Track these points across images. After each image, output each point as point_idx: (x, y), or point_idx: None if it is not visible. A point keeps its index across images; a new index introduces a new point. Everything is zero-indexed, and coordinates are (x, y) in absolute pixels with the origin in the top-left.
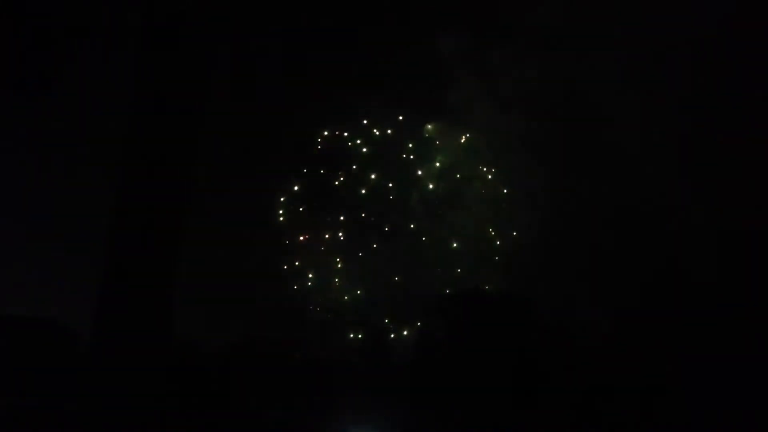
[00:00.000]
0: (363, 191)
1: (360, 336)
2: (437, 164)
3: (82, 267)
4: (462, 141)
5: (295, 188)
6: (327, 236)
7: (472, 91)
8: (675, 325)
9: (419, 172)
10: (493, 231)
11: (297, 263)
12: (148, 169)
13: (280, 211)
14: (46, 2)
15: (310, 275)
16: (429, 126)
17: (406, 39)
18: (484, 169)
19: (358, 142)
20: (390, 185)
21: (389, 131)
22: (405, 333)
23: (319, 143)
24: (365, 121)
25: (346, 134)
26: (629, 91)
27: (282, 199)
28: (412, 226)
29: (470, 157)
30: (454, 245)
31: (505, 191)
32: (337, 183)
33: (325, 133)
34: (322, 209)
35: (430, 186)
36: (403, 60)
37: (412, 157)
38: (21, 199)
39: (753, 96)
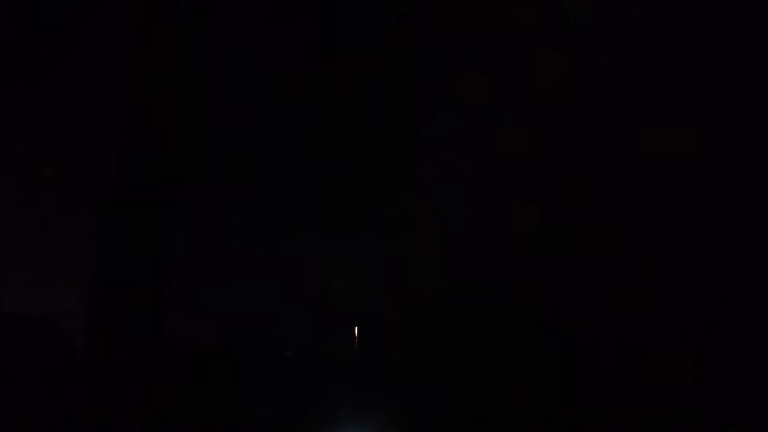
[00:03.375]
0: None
1: (354, 334)
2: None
3: (74, 264)
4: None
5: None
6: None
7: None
8: (677, 324)
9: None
10: (491, 227)
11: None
12: (141, 164)
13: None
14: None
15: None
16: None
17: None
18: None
19: None
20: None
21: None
22: (400, 331)
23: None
24: None
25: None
26: (633, 90)
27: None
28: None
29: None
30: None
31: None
32: None
33: None
34: None
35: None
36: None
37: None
38: (11, 197)
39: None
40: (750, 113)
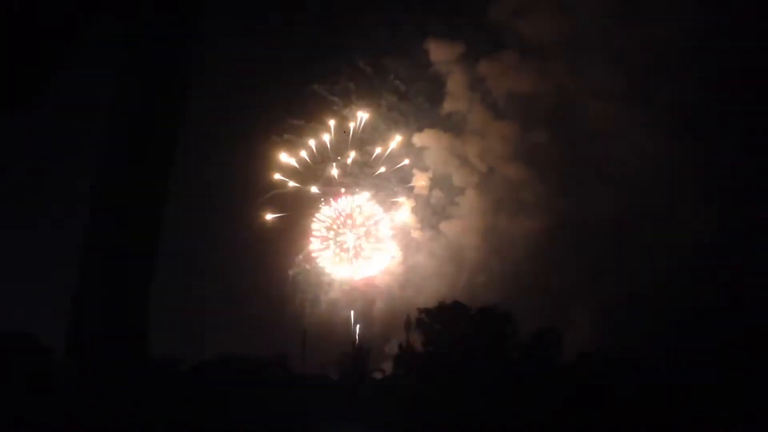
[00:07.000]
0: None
1: (343, 352)
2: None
3: (57, 282)
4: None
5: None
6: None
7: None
8: (663, 338)
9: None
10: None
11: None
12: (122, 183)
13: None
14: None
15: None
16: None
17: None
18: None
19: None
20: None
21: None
22: (386, 347)
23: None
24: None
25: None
26: (625, 100)
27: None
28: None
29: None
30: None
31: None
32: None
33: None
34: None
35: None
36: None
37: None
38: None
39: (749, 103)
40: (746, 120)
